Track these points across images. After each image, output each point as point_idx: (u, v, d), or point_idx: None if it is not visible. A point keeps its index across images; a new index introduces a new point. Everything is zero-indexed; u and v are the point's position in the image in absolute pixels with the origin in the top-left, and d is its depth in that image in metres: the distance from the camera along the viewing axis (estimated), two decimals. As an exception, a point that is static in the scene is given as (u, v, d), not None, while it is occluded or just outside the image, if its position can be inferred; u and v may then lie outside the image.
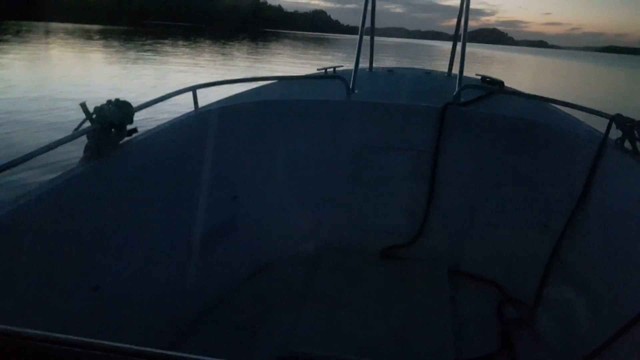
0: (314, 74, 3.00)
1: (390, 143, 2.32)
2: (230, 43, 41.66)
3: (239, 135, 2.22)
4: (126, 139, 1.62)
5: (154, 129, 1.81)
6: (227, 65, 20.79)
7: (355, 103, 2.39)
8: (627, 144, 1.83)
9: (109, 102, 1.54)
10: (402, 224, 2.27)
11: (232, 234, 2.10)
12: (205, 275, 1.91)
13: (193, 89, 2.10)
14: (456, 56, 2.91)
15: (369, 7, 2.84)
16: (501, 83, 2.76)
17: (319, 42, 68.77)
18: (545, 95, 2.44)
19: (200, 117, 2.08)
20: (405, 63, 28.33)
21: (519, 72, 33.58)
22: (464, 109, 2.28)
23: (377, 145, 2.33)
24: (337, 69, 3.09)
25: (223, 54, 27.95)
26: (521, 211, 2.13)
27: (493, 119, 2.26)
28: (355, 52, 2.66)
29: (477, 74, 3.05)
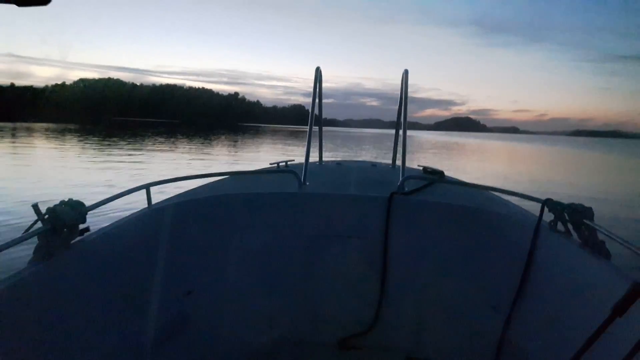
0: (266, 168, 3.07)
1: (342, 232, 2.36)
2: (208, 140, 40.62)
3: (192, 230, 2.25)
4: (78, 238, 1.63)
5: (106, 227, 1.84)
6: (209, 159, 20.56)
7: (306, 194, 2.45)
8: (559, 226, 1.97)
9: (62, 202, 1.57)
10: (358, 312, 2.27)
11: (185, 332, 2.05)
12: None
13: (147, 186, 2.15)
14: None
15: (317, 103, 3.03)
16: (441, 173, 2.95)
17: (296, 135, 68.14)
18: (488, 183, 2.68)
19: (154, 214, 2.12)
20: (383, 154, 27.76)
21: (494, 159, 32.86)
22: (408, 198, 2.38)
23: (329, 235, 2.36)
24: (288, 162, 3.22)
25: (203, 151, 27.21)
26: (470, 294, 2.16)
27: (436, 206, 2.35)
28: (305, 146, 2.79)
29: (418, 165, 3.29)
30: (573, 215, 1.89)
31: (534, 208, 2.16)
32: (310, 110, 2.89)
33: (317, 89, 3.06)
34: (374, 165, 3.76)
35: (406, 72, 2.87)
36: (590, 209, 1.87)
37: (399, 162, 2.75)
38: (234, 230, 2.34)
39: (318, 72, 3.09)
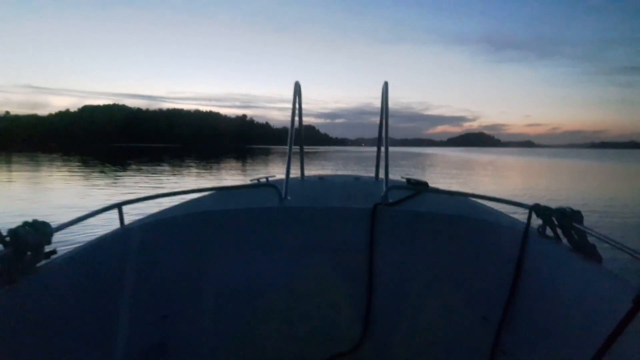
0: (246, 184, 2.94)
1: (325, 246, 2.28)
2: (216, 164, 37.94)
3: (168, 250, 2.15)
4: (43, 261, 1.56)
5: (74, 249, 1.78)
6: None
7: (287, 209, 2.36)
8: (548, 231, 1.95)
9: (25, 223, 1.49)
10: (344, 329, 2.18)
11: (162, 359, 1.97)
12: None
13: (118, 205, 2.09)
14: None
15: (297, 119, 2.95)
16: (425, 184, 2.87)
17: (306, 155, 62.15)
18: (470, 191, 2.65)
19: (126, 234, 2.05)
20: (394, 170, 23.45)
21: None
22: (392, 208, 2.32)
23: (312, 250, 2.28)
24: (269, 178, 3.13)
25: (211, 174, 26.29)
26: (460, 305, 2.12)
27: (421, 215, 2.30)
28: (286, 161, 2.71)
29: (402, 177, 3.17)
30: (562, 220, 1.86)
31: (523, 215, 2.12)
32: (290, 125, 2.83)
33: (297, 104, 2.98)
34: (357, 178, 3.56)
35: (386, 85, 2.80)
36: (579, 212, 1.83)
37: (382, 176, 2.64)
38: (212, 249, 2.23)
39: (297, 86, 2.98)
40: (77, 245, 1.82)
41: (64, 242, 1.85)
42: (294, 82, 3.00)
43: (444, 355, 2.09)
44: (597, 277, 1.57)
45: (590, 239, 1.74)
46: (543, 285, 1.79)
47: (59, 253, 1.63)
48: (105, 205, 2.04)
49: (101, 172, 26.16)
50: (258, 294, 2.20)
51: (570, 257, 1.75)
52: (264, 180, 3.02)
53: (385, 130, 2.72)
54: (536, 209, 2.00)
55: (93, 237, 1.93)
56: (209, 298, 2.16)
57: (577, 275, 1.65)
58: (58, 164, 34.75)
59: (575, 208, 1.89)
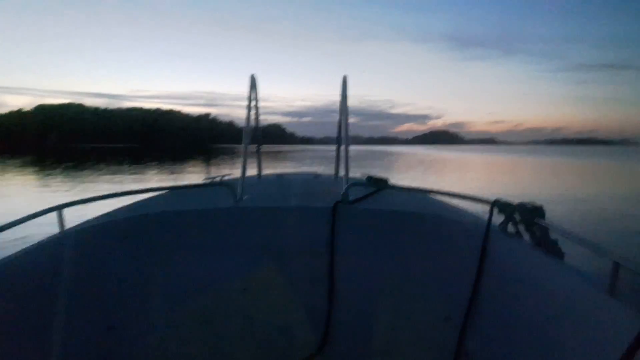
0: (198, 183, 2.82)
1: (284, 247, 2.21)
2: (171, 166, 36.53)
3: (113, 255, 2.04)
4: None
5: (9, 256, 1.69)
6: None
7: (242, 209, 2.28)
8: (510, 227, 1.92)
9: None
10: (305, 333, 2.12)
11: None
12: None
13: (58, 208, 1.96)
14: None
15: (252, 117, 2.91)
16: (385, 181, 2.83)
17: (275, 156, 62.22)
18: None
19: (66, 239, 1.91)
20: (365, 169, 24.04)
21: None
22: (353, 206, 2.28)
23: (270, 251, 2.20)
24: (224, 177, 3.05)
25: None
26: (423, 306, 2.08)
27: (382, 213, 2.26)
28: (242, 159, 2.67)
29: (363, 174, 3.11)
30: (524, 215, 1.84)
31: (485, 211, 2.07)
32: (245, 121, 2.69)
33: (254, 98, 2.86)
34: (316, 176, 3.57)
35: (345, 79, 2.71)
36: (541, 207, 1.82)
37: (342, 174, 2.63)
38: (162, 253, 2.11)
39: (253, 80, 2.85)
40: (10, 252, 1.71)
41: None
42: (250, 75, 2.90)
43: (407, 358, 2.05)
44: (560, 273, 1.55)
45: (553, 235, 1.73)
46: (505, 282, 1.75)
47: None
48: (44, 208, 1.90)
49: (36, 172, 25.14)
50: (213, 300, 2.09)
51: (532, 254, 1.73)
52: (219, 179, 2.93)
53: (345, 126, 2.66)
54: (498, 204, 1.97)
55: (29, 244, 1.81)
56: (158, 306, 2.03)
57: (540, 272, 1.63)
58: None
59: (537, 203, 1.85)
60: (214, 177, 2.98)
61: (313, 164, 37.70)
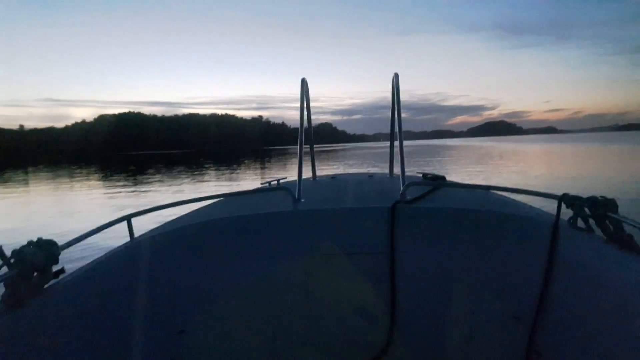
0: (257, 188, 2.87)
1: (344, 249, 2.17)
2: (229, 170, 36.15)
3: (181, 262, 2.08)
4: (52, 282, 1.50)
5: (83, 267, 1.72)
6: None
7: (302, 212, 2.27)
8: (580, 222, 1.84)
9: (30, 242, 1.44)
10: (369, 334, 2.07)
11: None
12: None
13: (127, 217, 2.05)
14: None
15: (305, 119, 2.85)
16: (443, 178, 2.78)
17: (327, 154, 62.08)
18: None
19: (136, 248, 1.99)
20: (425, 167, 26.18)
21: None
22: (412, 206, 2.23)
23: (330, 253, 2.17)
24: (281, 180, 3.03)
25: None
26: (490, 305, 2.00)
27: (442, 212, 2.20)
28: (297, 162, 2.64)
29: (418, 172, 3.06)
30: (594, 209, 1.74)
31: (549, 206, 2.00)
32: (299, 124, 2.72)
33: (305, 101, 2.88)
34: (371, 176, 3.48)
35: (396, 76, 2.73)
36: (613, 200, 1.72)
37: (397, 172, 2.57)
38: (225, 258, 2.14)
39: (304, 83, 2.90)
40: (86, 262, 1.76)
41: (72, 260, 1.79)
42: (300, 79, 2.88)
43: (474, 358, 1.99)
44: (637, 270, 1.47)
45: (627, 229, 1.63)
46: (578, 280, 1.67)
47: (68, 272, 1.57)
48: (114, 219, 1.97)
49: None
50: (277, 302, 2.11)
51: (606, 249, 1.64)
52: (275, 183, 2.87)
53: (399, 124, 2.60)
54: (565, 199, 1.88)
55: (102, 253, 1.87)
56: (225, 310, 2.08)
57: (615, 268, 1.54)
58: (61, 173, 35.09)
59: (609, 196, 1.73)
60: (271, 181, 2.96)
61: (366, 161, 37.34)
